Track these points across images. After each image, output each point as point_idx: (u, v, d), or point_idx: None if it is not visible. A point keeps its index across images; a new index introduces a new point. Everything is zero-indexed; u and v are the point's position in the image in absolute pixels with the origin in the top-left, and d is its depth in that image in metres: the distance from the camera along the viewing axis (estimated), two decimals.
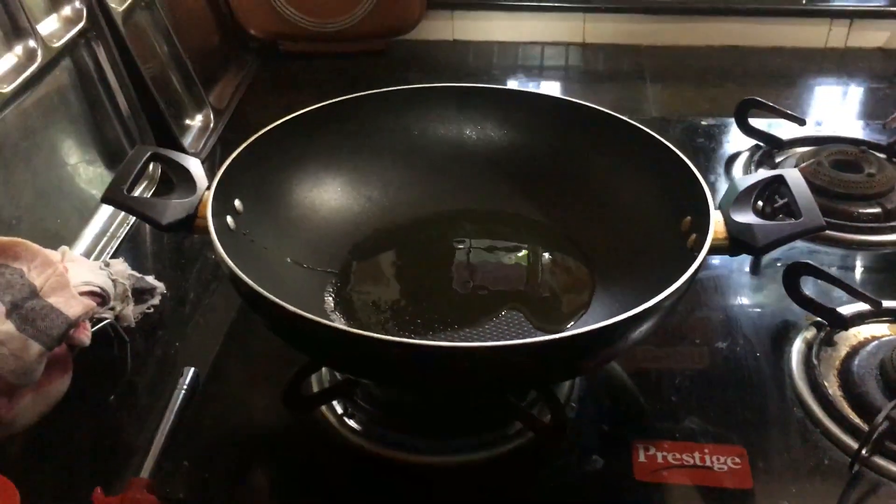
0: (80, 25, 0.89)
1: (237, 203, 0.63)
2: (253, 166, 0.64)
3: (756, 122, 0.93)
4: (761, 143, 0.92)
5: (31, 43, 0.82)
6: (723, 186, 0.87)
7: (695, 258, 0.55)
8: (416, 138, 0.73)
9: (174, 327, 0.76)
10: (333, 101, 0.70)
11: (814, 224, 0.56)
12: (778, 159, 0.91)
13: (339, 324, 0.62)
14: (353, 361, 0.51)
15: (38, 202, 0.80)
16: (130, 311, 0.76)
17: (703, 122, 0.99)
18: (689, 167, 0.62)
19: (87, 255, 0.85)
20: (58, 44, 0.85)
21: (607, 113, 0.69)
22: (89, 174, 0.90)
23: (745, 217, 0.58)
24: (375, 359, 0.48)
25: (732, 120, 0.94)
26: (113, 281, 0.75)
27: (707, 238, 0.56)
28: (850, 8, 1.25)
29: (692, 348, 0.68)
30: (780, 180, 0.61)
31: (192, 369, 0.70)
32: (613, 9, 1.29)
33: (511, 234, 0.72)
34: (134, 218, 0.89)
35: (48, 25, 0.87)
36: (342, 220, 0.70)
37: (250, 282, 0.51)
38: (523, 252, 0.70)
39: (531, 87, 1.24)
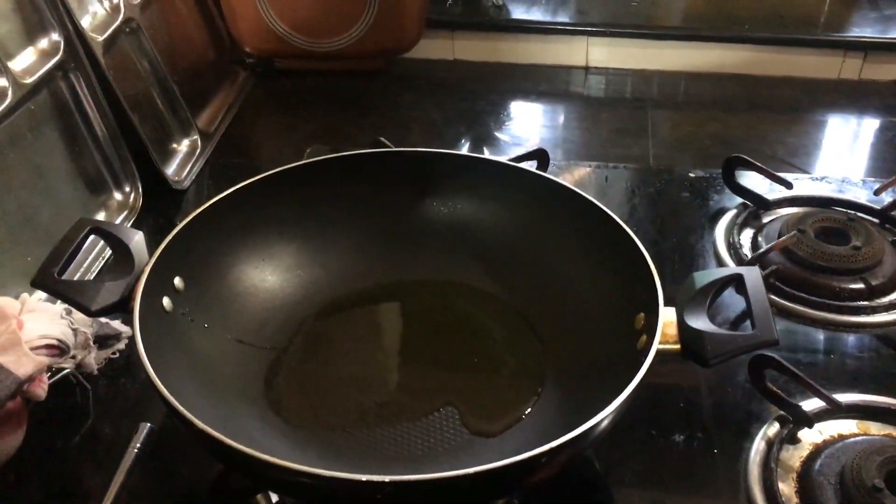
0: (57, 58, 0.88)
1: (177, 281, 0.62)
2: (198, 240, 0.63)
3: (747, 176, 0.89)
4: (748, 203, 0.88)
5: (1, 81, 0.81)
6: (704, 250, 0.83)
7: (641, 364, 0.53)
8: (376, 204, 0.71)
9: (139, 373, 0.75)
10: (287, 167, 0.68)
11: (766, 338, 0.53)
12: (765, 220, 0.87)
13: (268, 411, 0.60)
14: (260, 480, 0.49)
15: (7, 241, 0.79)
16: (93, 359, 0.75)
17: (692, 175, 0.95)
18: (646, 259, 0.59)
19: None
20: (30, 79, 0.84)
21: (573, 191, 0.66)
22: (67, 208, 0.89)
23: (699, 321, 0.55)
24: (278, 482, 0.46)
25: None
26: (74, 330, 0.74)
27: (652, 347, 0.53)
28: (866, 39, 1.20)
29: (648, 439, 0.65)
30: (738, 279, 0.57)
31: (148, 425, 0.68)
32: (619, 32, 1.25)
33: (467, 309, 0.70)
34: (108, 255, 0.88)
35: (23, 59, 0.86)
36: (293, 290, 0.68)
37: (160, 384, 0.49)
38: (476, 331, 0.68)
39: (529, 110, 1.21)
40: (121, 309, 0.58)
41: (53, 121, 0.89)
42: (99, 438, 0.69)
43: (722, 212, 0.88)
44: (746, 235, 0.85)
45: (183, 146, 1.08)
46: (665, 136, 1.12)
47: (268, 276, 0.68)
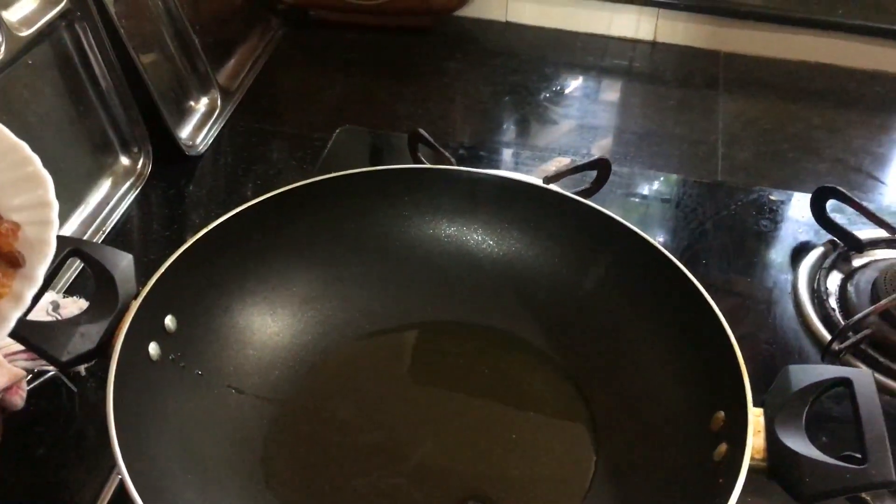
0: (61, 6, 0.78)
1: (169, 320, 0.52)
2: (197, 268, 0.52)
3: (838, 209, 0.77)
4: (838, 241, 0.76)
5: None
6: (782, 297, 0.72)
7: (720, 487, 0.43)
8: (410, 228, 0.60)
9: None
10: (308, 181, 0.57)
11: (882, 479, 0.43)
12: (856, 263, 0.74)
13: (265, 491, 0.51)
14: None
15: None
16: None
17: (773, 197, 0.83)
18: (732, 346, 0.48)
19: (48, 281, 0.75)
20: (28, 31, 0.74)
21: (644, 239, 0.55)
22: (68, 174, 0.80)
23: (795, 438, 0.45)
24: None
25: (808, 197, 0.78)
26: None
27: (742, 467, 0.43)
28: None
29: None
30: (846, 385, 0.47)
31: None
32: (694, 6, 1.12)
33: (510, 366, 0.59)
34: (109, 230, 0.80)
35: (21, 8, 0.75)
36: (305, 328, 0.58)
37: (128, 479, 0.40)
38: (519, 396, 0.57)
39: (586, 86, 1.08)
40: (98, 356, 0.49)
41: (54, 77, 0.80)
42: (86, 443, 0.62)
43: (806, 249, 0.76)
44: (834, 281, 0.72)
45: (200, 105, 0.98)
46: (737, 134, 1.00)
47: (277, 309, 0.58)
